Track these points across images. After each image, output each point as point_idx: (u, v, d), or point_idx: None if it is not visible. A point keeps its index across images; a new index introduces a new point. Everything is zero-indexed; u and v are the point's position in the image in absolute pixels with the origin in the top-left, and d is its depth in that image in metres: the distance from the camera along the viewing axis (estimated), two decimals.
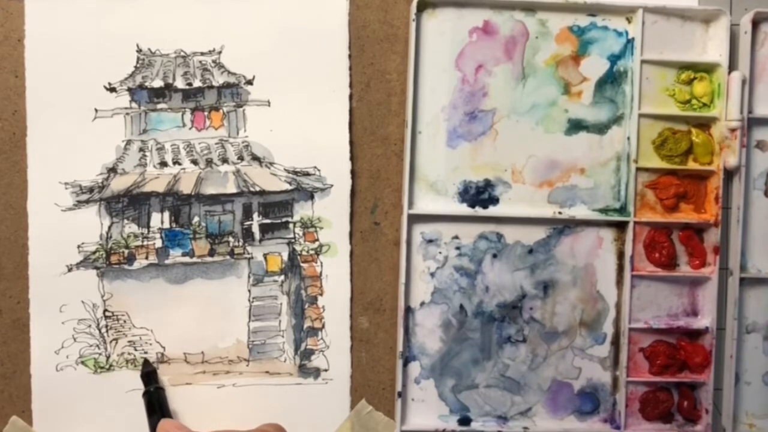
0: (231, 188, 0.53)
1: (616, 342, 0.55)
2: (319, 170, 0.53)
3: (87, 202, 0.52)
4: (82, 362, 0.52)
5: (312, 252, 0.54)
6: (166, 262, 0.53)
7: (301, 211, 0.53)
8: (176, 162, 0.53)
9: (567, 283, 0.54)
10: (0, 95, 0.51)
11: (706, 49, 0.54)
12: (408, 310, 0.54)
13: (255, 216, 0.53)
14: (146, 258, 0.53)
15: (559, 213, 0.54)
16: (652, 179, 0.54)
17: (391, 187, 0.54)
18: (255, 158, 0.53)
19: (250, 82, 0.53)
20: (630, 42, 0.54)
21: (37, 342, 0.52)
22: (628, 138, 0.54)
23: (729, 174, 0.54)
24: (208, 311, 0.53)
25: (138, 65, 0.52)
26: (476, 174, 0.54)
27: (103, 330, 0.52)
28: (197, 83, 0.52)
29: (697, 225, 0.54)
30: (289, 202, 0.53)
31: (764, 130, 0.54)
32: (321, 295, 0.54)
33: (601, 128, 0.54)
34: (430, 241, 0.54)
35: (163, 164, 0.53)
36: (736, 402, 0.54)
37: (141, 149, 0.52)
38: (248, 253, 0.53)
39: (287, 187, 0.53)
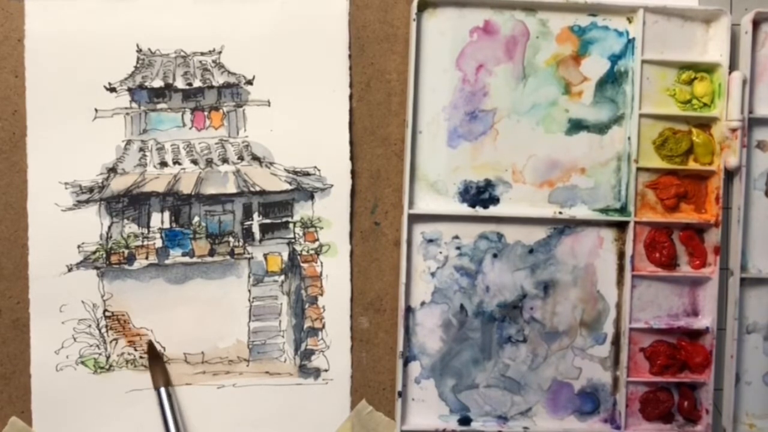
0: (231, 188, 0.53)
1: (616, 342, 0.55)
2: (319, 170, 0.53)
3: (87, 202, 0.52)
4: (82, 362, 0.52)
5: (312, 252, 0.54)
6: (166, 262, 0.53)
7: (301, 211, 0.53)
8: (176, 162, 0.53)
9: (567, 283, 0.54)
10: (0, 95, 0.51)
11: (707, 49, 0.54)
12: (408, 309, 0.54)
13: (255, 216, 0.53)
14: (146, 258, 0.53)
15: (560, 213, 0.54)
16: (653, 179, 0.54)
17: (392, 187, 0.54)
18: (255, 158, 0.53)
19: (250, 82, 0.53)
20: (631, 42, 0.54)
21: (37, 342, 0.52)
22: (629, 138, 0.54)
23: (729, 174, 0.54)
24: (208, 311, 0.53)
25: (138, 65, 0.52)
26: (477, 174, 0.54)
27: (103, 330, 0.52)
28: (197, 83, 0.52)
29: (697, 225, 0.54)
30: (289, 202, 0.53)
31: (765, 130, 0.54)
32: (321, 295, 0.54)
33: (601, 128, 0.54)
34: (431, 240, 0.54)
35: (163, 164, 0.53)
36: (736, 402, 0.54)
37: (141, 149, 0.52)
38: (248, 253, 0.53)
39: (287, 187, 0.53)
